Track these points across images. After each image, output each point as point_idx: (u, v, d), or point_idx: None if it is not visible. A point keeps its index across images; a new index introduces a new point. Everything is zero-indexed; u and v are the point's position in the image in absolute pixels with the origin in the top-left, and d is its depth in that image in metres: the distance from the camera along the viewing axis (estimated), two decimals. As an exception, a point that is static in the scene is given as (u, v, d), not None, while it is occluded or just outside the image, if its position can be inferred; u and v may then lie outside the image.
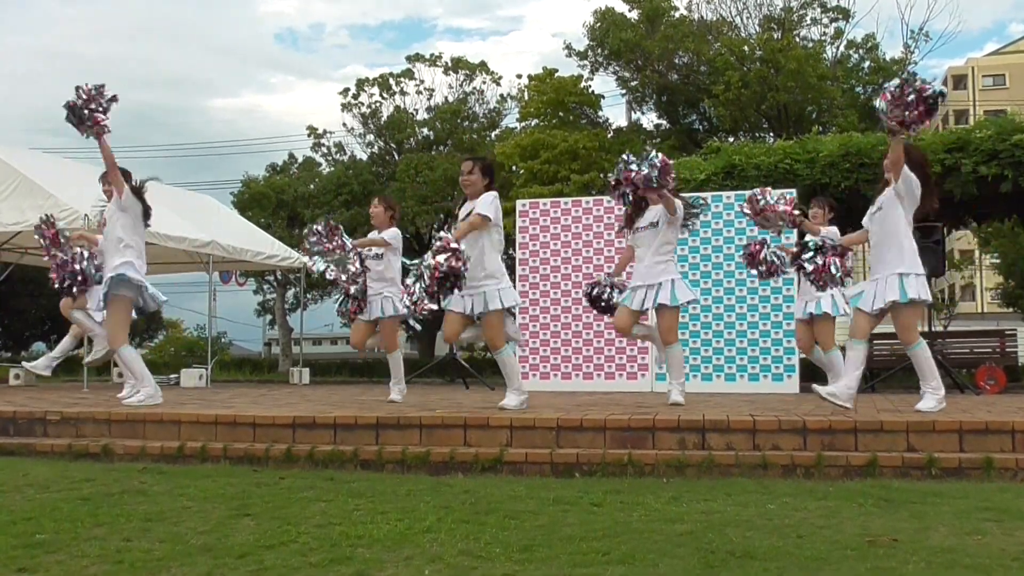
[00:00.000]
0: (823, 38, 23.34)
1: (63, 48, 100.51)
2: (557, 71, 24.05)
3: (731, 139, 21.76)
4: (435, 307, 5.80)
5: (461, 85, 27.56)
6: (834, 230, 7.26)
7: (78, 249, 7.13)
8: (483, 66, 27.51)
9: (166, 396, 6.98)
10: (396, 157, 26.50)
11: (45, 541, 3.21)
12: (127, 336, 6.82)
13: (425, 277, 5.60)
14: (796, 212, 6.39)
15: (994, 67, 54.66)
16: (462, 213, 6.13)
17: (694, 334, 10.05)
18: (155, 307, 6.93)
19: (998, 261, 28.07)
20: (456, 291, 5.81)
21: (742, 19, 23.55)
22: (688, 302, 6.68)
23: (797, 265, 6.77)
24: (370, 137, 27.41)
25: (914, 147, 5.87)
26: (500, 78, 27.64)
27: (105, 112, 6.38)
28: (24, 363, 6.75)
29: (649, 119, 25.65)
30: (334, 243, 7.16)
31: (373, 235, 7.52)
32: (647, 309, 6.69)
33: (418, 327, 11.66)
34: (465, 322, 6.06)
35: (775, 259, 7.17)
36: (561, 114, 23.76)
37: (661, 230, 6.58)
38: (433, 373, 14.45)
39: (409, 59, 27.53)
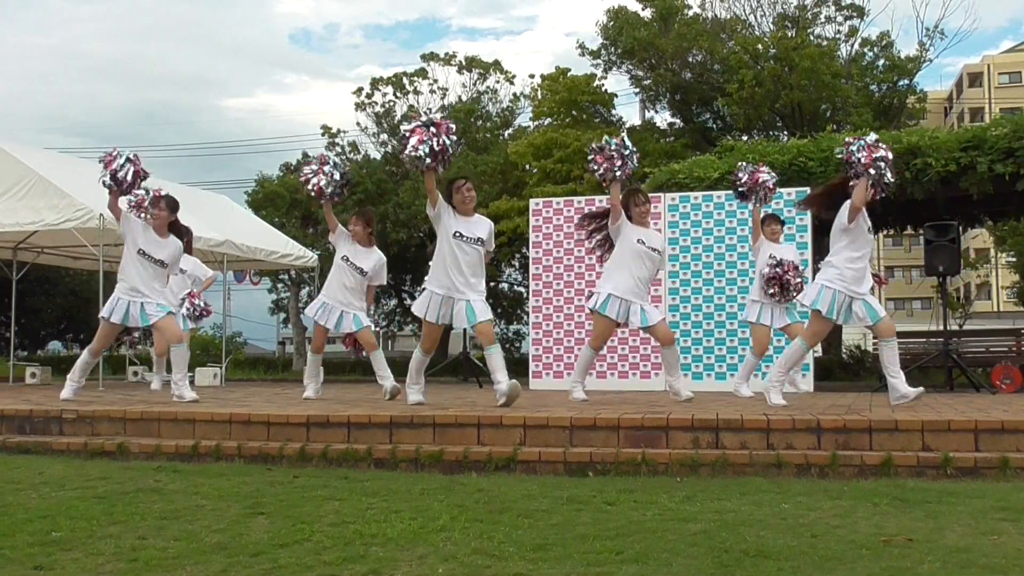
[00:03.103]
0: (837, 36, 23.23)
1: (75, 47, 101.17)
2: (570, 70, 24.01)
3: (745, 137, 21.70)
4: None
5: (475, 84, 27.57)
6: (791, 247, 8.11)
7: None
8: (497, 65, 27.50)
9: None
10: (410, 156, 26.51)
11: (61, 539, 3.23)
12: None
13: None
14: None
15: (1010, 64, 54.31)
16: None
17: (708, 333, 10.02)
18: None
19: (1014, 260, 27.90)
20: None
21: (756, 17, 23.48)
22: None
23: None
24: (384, 136, 27.45)
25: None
26: (514, 77, 27.63)
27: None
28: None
29: (663, 118, 25.61)
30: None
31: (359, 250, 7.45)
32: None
33: None
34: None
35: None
36: (574, 113, 23.72)
37: None
38: (446, 372, 14.45)
39: (423, 58, 27.53)
